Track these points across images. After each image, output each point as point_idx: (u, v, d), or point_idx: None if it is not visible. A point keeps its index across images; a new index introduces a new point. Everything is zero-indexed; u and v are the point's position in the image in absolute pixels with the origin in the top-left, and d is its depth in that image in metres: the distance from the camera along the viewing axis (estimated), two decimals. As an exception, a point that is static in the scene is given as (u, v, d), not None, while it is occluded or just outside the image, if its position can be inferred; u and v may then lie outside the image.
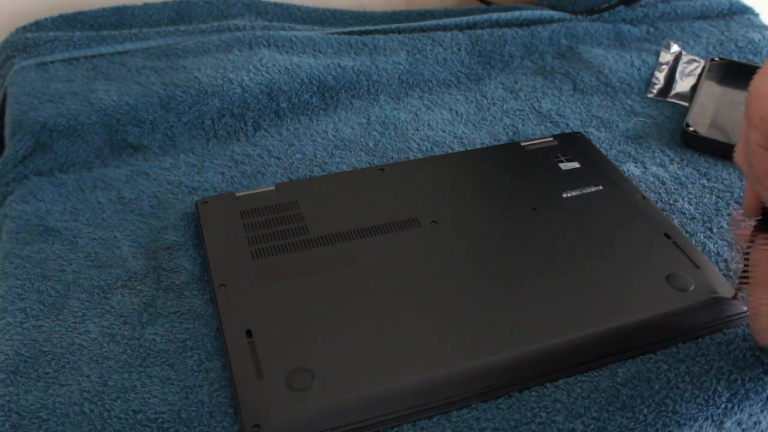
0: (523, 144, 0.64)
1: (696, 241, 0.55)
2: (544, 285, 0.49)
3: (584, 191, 0.58)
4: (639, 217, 0.56)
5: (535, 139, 0.65)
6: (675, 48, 0.80)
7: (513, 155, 0.63)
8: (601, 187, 0.59)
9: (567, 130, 0.68)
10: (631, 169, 0.63)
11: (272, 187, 0.58)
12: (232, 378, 0.43)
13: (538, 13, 0.83)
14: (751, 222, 0.43)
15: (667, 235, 0.54)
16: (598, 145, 0.65)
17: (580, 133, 0.67)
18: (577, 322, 0.47)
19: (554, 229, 0.54)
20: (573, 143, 0.64)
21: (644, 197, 0.58)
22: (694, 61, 0.78)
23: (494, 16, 0.82)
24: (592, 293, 0.49)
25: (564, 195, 0.58)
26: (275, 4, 0.86)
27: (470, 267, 0.51)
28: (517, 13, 0.82)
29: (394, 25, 0.81)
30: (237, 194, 0.57)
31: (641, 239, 0.54)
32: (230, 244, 0.52)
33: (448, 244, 0.53)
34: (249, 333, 0.45)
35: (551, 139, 0.65)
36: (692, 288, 0.49)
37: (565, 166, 0.61)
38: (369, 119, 0.69)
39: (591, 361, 0.45)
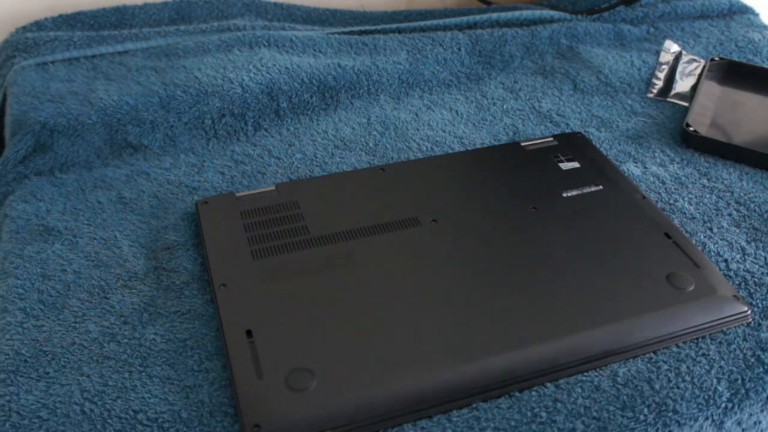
0: (523, 144, 0.64)
1: (696, 241, 0.55)
2: (545, 284, 0.49)
3: (584, 191, 0.58)
4: (639, 217, 0.56)
5: (535, 139, 0.65)
6: (675, 48, 0.80)
7: (513, 155, 0.63)
8: (601, 187, 0.59)
9: (567, 130, 0.68)
10: (631, 168, 0.63)
11: (272, 187, 0.58)
12: (232, 378, 0.43)
13: (538, 13, 0.83)
14: None
15: (667, 235, 0.54)
16: (598, 145, 0.65)
17: (580, 133, 0.67)
18: (578, 322, 0.47)
19: (554, 229, 0.54)
20: (573, 143, 0.64)
21: (644, 197, 0.58)
22: (694, 61, 0.78)
23: (494, 16, 0.82)
24: (593, 293, 0.49)
25: (564, 195, 0.58)
26: (275, 4, 0.86)
27: (470, 266, 0.51)
28: (517, 13, 0.82)
29: (394, 25, 0.81)
30: (237, 194, 0.57)
31: (641, 239, 0.54)
32: (230, 244, 0.52)
33: (448, 243, 0.53)
34: (249, 333, 0.45)
35: (551, 139, 0.65)
36: (692, 288, 0.49)
37: (565, 165, 0.61)
38: (369, 119, 0.69)
39: (591, 361, 0.45)
